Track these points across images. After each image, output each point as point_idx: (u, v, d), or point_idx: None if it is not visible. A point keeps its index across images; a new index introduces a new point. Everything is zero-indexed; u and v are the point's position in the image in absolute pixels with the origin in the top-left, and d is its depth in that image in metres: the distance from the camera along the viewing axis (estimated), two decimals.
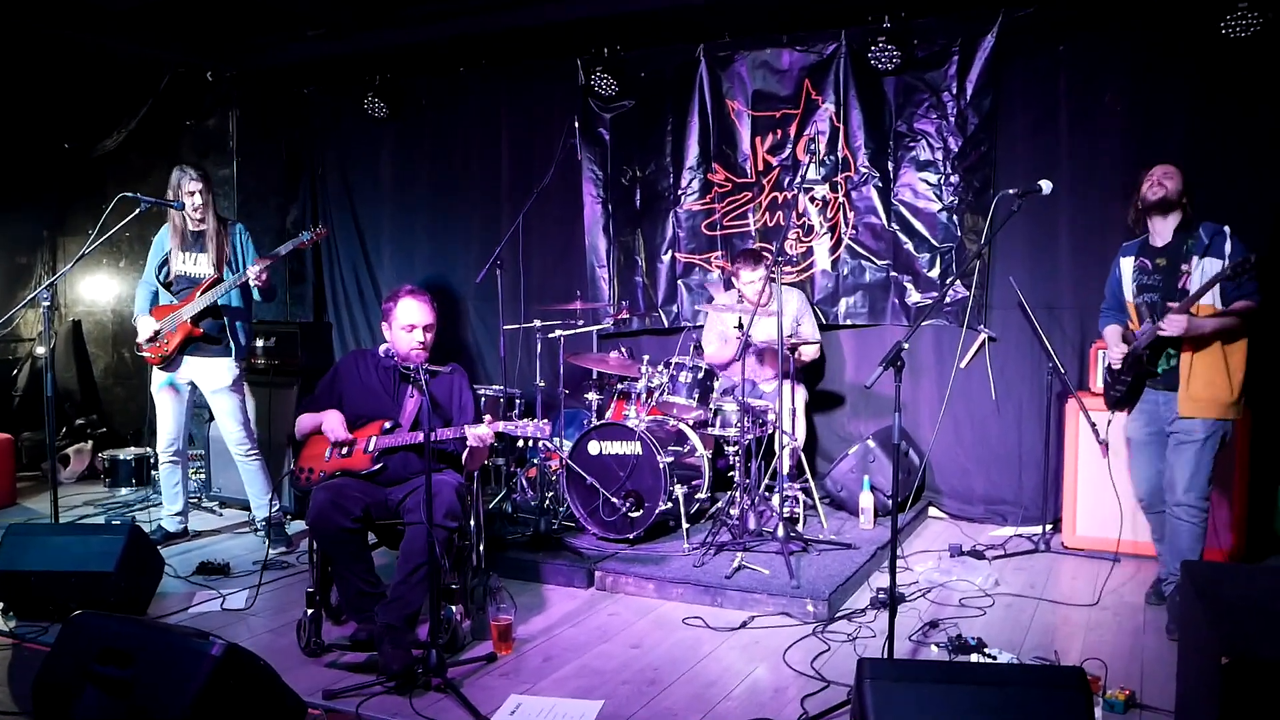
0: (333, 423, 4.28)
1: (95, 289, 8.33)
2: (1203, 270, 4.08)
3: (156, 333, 5.41)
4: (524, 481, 6.07)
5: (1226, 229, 4.12)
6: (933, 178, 6.00)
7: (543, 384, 5.78)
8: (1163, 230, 4.28)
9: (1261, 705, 2.34)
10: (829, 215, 6.30)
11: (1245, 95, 5.23)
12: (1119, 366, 4.37)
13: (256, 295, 5.48)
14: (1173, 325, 4.02)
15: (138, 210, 4.98)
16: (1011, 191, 3.98)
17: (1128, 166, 5.48)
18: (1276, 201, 5.18)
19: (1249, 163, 5.23)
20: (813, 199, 6.32)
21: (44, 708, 3.06)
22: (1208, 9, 5.11)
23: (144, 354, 5.50)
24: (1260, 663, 2.36)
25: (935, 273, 6.03)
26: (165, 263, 5.52)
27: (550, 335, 5.80)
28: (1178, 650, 3.59)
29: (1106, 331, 4.53)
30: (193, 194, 5.38)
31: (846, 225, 6.24)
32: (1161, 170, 4.27)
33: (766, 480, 5.55)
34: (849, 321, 6.33)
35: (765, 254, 6.03)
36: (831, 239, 6.31)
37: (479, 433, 4.07)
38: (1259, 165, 5.22)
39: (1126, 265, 4.43)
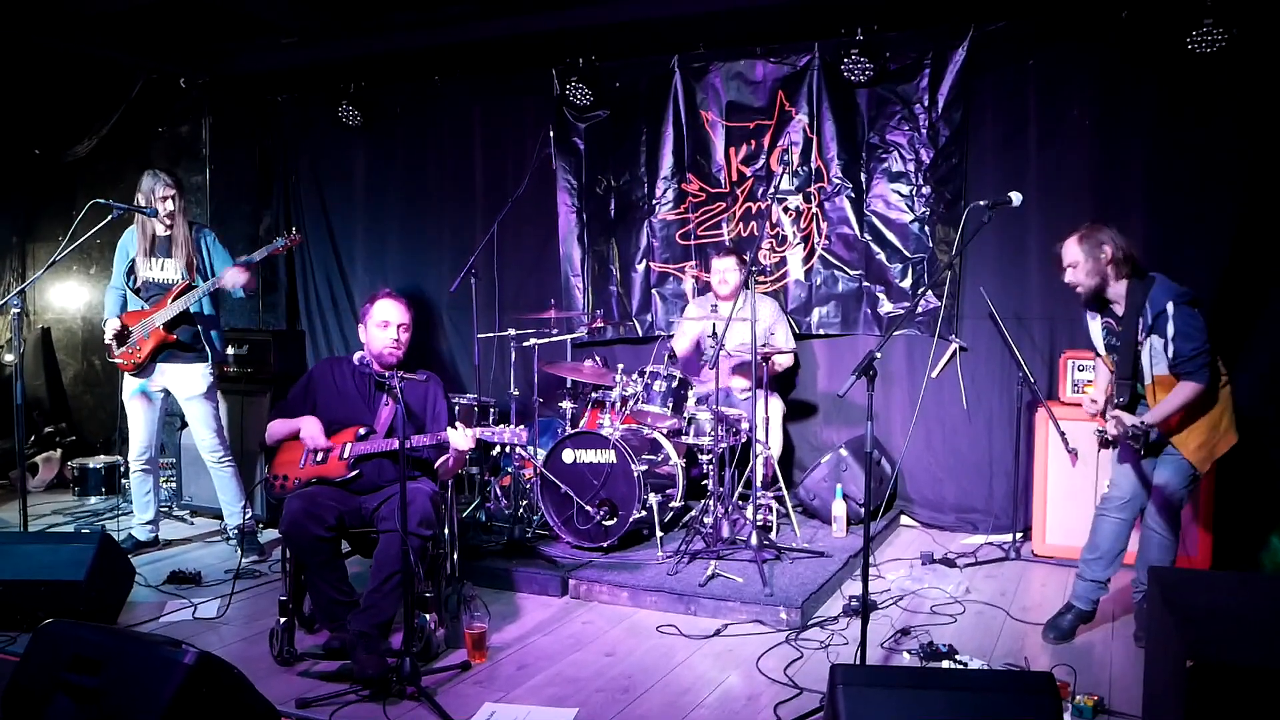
0: (311, 429, 4.28)
1: (65, 296, 8.25)
2: (1151, 348, 3.95)
3: (128, 332, 5.36)
4: (498, 490, 6.06)
5: (1169, 306, 3.89)
6: (905, 189, 6.06)
7: (517, 392, 5.79)
8: (1114, 297, 4.10)
9: (1225, 708, 2.38)
10: (802, 226, 6.34)
11: (1210, 110, 5.31)
12: (1095, 410, 4.24)
13: (240, 294, 5.44)
14: (1112, 427, 3.94)
15: (109, 217, 4.95)
16: (982, 203, 4.01)
17: (1096, 179, 5.57)
18: (1238, 213, 5.27)
19: (1212, 176, 5.32)
20: (786, 209, 6.36)
21: (14, 716, 3.03)
22: (1174, 25, 5.19)
23: (116, 360, 5.45)
24: (1224, 666, 2.40)
25: (907, 283, 6.09)
26: (131, 269, 5.47)
27: (525, 344, 5.81)
28: (1144, 655, 3.64)
29: (1098, 373, 4.41)
30: (165, 200, 5.35)
31: (819, 236, 6.29)
32: (1066, 260, 4.09)
33: (740, 489, 5.57)
34: (822, 331, 6.37)
35: (742, 250, 6.09)
36: (805, 249, 6.35)
37: (459, 439, 4.07)
38: (1221, 178, 5.31)
39: (1095, 322, 4.28)
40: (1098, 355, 4.38)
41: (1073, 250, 4.08)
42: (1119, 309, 4.12)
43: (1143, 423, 3.81)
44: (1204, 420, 4.05)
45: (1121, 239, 4.05)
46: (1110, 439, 4.05)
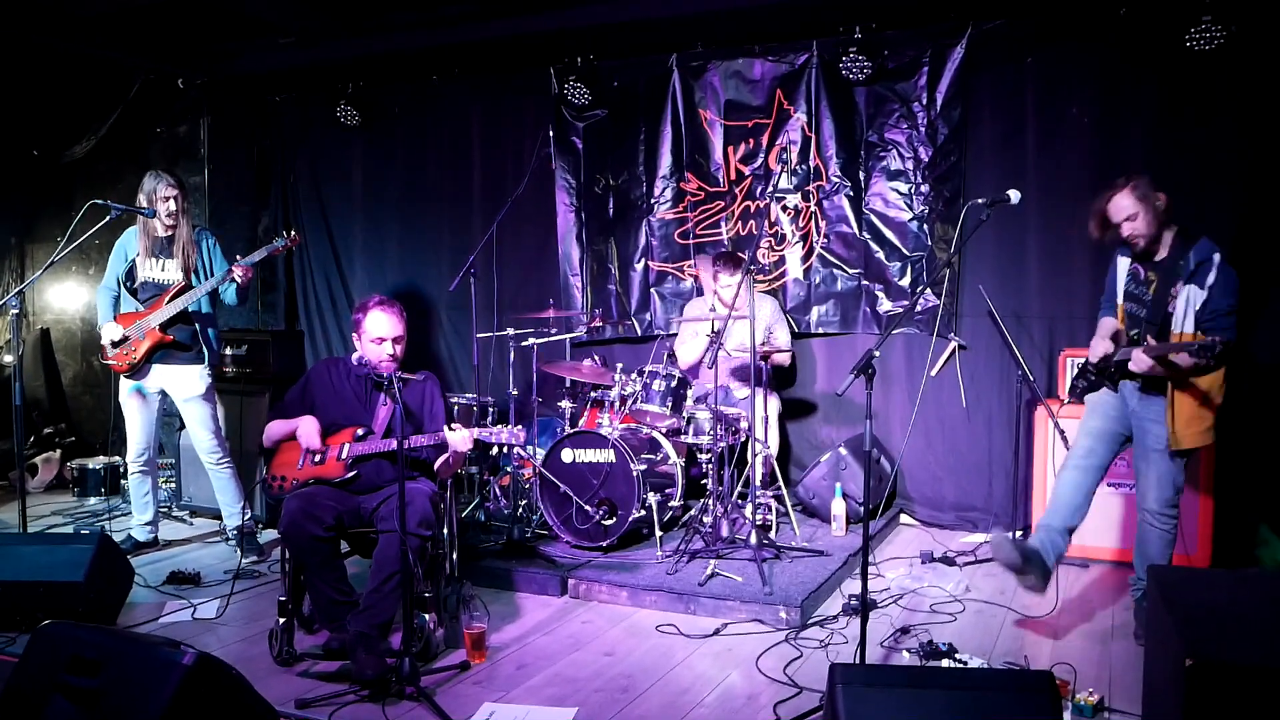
0: (307, 429, 4.27)
1: (64, 297, 8.25)
2: (1188, 299, 3.96)
3: (125, 338, 5.35)
4: (497, 490, 6.06)
5: (1216, 257, 3.96)
6: (903, 187, 6.06)
7: (515, 392, 5.79)
8: (1158, 245, 4.14)
9: (1223, 706, 2.38)
10: (801, 224, 6.34)
11: (1209, 107, 5.31)
12: (1095, 363, 4.28)
13: (232, 297, 5.41)
14: (1138, 364, 3.94)
15: (108, 218, 4.95)
16: (980, 201, 4.01)
17: (1094, 177, 5.55)
18: (1238, 212, 5.27)
19: (1211, 174, 5.31)
20: (785, 208, 6.36)
21: (12, 718, 3.02)
22: (1173, 22, 5.18)
23: (110, 362, 5.44)
24: (1222, 665, 2.40)
25: (906, 281, 6.08)
26: (131, 269, 5.47)
27: (523, 344, 5.81)
28: (1144, 654, 3.64)
29: (1102, 322, 4.39)
30: (168, 199, 5.33)
31: (818, 234, 6.29)
32: (1124, 214, 4.06)
33: (739, 488, 5.57)
34: (821, 330, 6.37)
35: (744, 258, 6.04)
36: (803, 248, 6.35)
37: (458, 440, 4.07)
38: (1221, 176, 5.30)
39: (1122, 265, 4.29)
40: (1107, 304, 4.37)
41: (1127, 203, 4.06)
42: (1159, 256, 4.14)
43: (1214, 339, 3.70)
44: (1206, 408, 4.04)
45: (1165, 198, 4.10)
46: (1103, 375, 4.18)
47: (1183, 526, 5.00)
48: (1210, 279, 3.95)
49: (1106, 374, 4.24)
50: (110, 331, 5.37)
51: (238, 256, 5.36)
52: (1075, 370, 4.50)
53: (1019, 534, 5.64)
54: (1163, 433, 4.09)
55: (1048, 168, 5.73)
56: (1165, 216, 4.09)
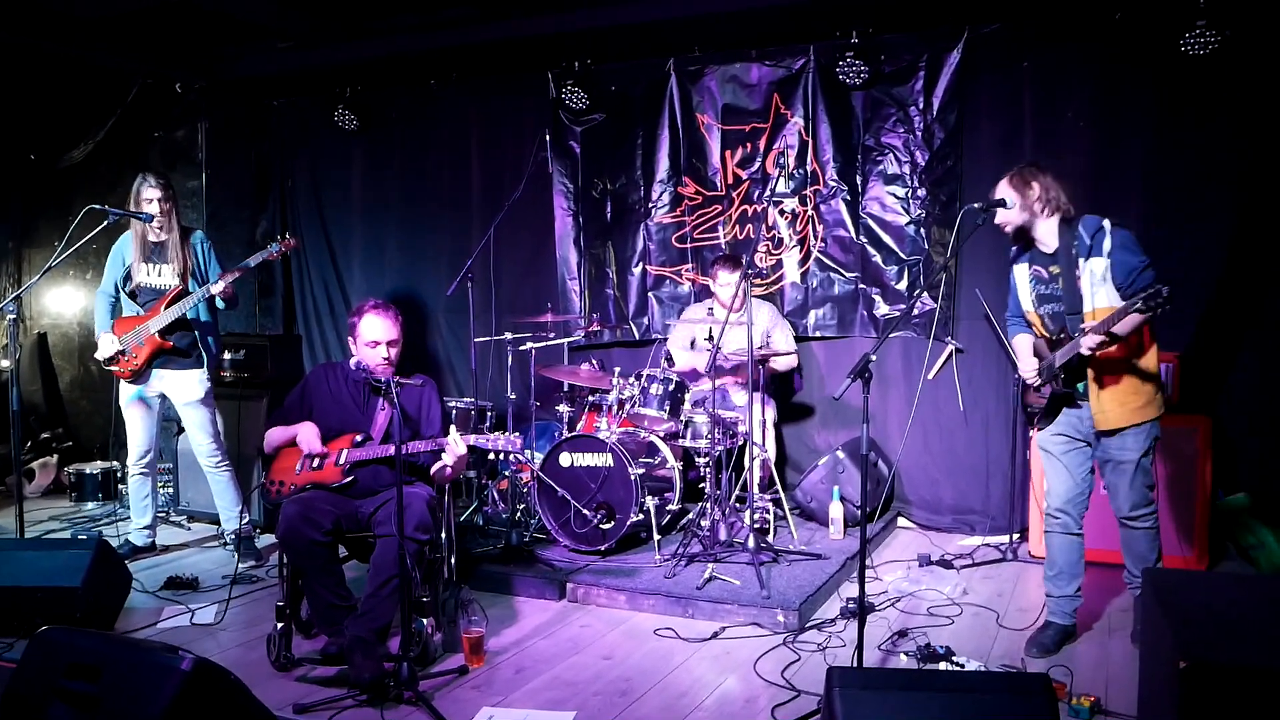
0: (308, 435, 4.27)
1: (61, 301, 8.25)
2: (1091, 273, 3.87)
3: (120, 352, 5.36)
4: (495, 494, 6.06)
5: (1105, 223, 3.86)
6: (900, 191, 6.07)
7: (514, 396, 5.79)
8: (1045, 236, 4.04)
9: (1218, 708, 2.38)
10: (798, 228, 6.35)
11: (1206, 110, 5.32)
12: (1037, 382, 4.13)
13: (221, 304, 5.43)
14: (1090, 343, 3.76)
15: (105, 222, 4.95)
16: (976, 205, 4.02)
17: (1092, 180, 5.57)
18: (1235, 214, 5.28)
19: (1208, 176, 5.33)
20: (782, 212, 6.37)
21: None
22: (1168, 27, 5.19)
23: (112, 369, 5.44)
24: (1216, 667, 2.41)
25: (903, 285, 6.09)
26: (127, 275, 5.47)
27: (521, 348, 5.81)
28: (1139, 656, 3.64)
29: (1016, 341, 4.27)
30: (151, 201, 5.31)
31: (815, 238, 6.29)
32: (998, 190, 4.04)
33: (737, 491, 5.58)
34: (818, 333, 6.38)
35: (742, 258, 6.05)
36: (800, 252, 6.36)
37: (459, 450, 4.07)
38: (1217, 179, 5.32)
39: (1021, 274, 4.18)
40: (1015, 320, 4.27)
41: (1002, 189, 4.02)
42: (1047, 247, 4.03)
43: (1157, 287, 3.51)
44: (1138, 380, 3.94)
45: (1055, 184, 3.99)
46: (1044, 399, 4.05)
47: (1180, 529, 5.04)
48: (1106, 245, 3.85)
49: (1055, 381, 4.06)
50: (106, 346, 5.37)
51: (233, 264, 5.36)
52: (1018, 396, 4.34)
53: (1015, 536, 5.67)
54: (1118, 441, 3.99)
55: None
56: (1042, 207, 3.97)
